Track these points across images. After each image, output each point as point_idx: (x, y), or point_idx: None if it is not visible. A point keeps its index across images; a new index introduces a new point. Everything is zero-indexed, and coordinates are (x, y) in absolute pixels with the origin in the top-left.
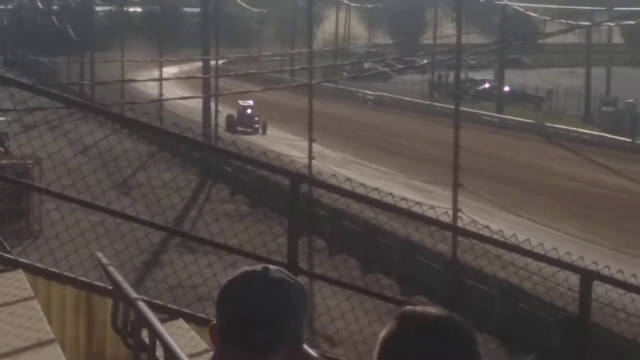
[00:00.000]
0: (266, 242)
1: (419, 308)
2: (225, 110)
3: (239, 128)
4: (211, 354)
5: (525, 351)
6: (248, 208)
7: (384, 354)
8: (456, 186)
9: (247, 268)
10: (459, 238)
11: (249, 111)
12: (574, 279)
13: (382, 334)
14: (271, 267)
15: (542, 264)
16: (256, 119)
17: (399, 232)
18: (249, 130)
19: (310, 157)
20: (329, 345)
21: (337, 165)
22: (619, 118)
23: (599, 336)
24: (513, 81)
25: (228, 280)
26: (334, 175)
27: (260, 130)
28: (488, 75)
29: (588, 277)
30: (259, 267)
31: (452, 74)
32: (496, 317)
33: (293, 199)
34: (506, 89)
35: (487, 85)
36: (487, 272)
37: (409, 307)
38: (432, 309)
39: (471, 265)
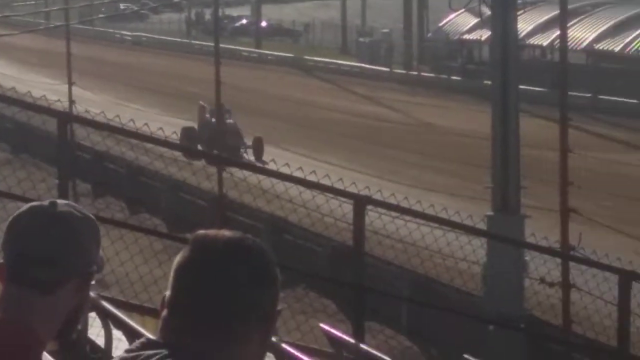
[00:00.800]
0: (34, 185)
1: (211, 231)
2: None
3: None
4: None
5: (296, 282)
6: (10, 155)
7: (178, 280)
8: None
9: (34, 203)
10: (226, 175)
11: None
12: (344, 209)
13: (176, 259)
14: (59, 201)
15: (314, 194)
16: (241, 135)
17: (165, 172)
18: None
19: (71, 100)
20: (101, 287)
21: (99, 107)
22: (376, 48)
23: (371, 265)
24: (270, 16)
25: (14, 215)
26: (102, 112)
27: (247, 153)
28: (245, 11)
29: (361, 202)
30: (46, 201)
31: (208, 12)
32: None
33: (62, 139)
34: (263, 24)
35: (244, 21)
36: (255, 207)
37: (201, 231)
38: (226, 232)
39: (240, 200)
